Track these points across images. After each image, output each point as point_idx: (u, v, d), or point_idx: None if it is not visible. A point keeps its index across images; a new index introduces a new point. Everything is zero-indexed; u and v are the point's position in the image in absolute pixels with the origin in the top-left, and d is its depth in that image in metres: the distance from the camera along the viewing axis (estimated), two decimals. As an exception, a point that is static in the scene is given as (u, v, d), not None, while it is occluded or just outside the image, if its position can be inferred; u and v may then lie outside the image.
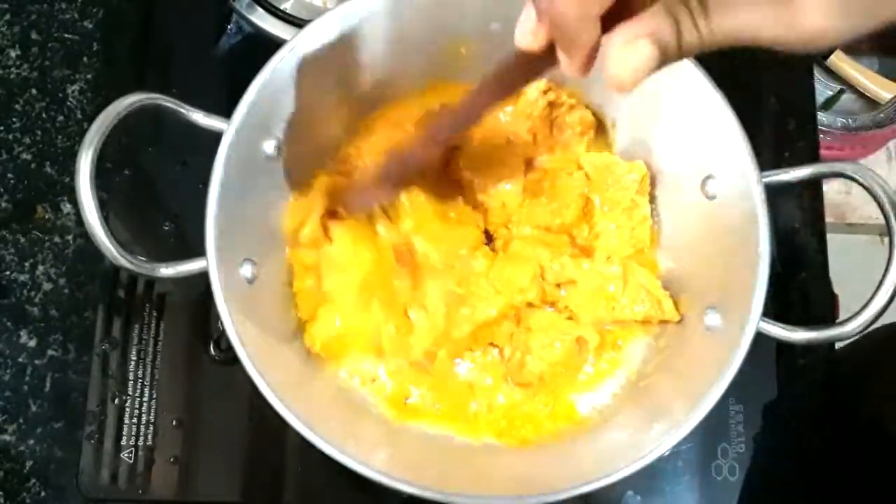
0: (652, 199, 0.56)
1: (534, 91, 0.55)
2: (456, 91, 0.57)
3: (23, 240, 0.60)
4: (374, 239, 0.53)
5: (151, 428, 0.56)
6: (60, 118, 0.63)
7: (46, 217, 0.61)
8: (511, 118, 0.56)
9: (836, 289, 0.62)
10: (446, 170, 0.56)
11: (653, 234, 0.56)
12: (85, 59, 0.65)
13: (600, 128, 0.57)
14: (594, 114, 0.57)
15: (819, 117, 0.69)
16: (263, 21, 0.60)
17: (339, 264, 0.52)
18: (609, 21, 0.29)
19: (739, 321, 0.46)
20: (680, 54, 0.29)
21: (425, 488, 0.43)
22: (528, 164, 0.57)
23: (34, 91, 0.64)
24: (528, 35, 0.33)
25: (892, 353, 0.65)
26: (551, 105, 0.55)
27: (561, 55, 0.31)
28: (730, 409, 0.57)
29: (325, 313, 0.52)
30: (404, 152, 0.49)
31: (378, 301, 0.52)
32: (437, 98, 0.57)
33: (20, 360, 0.58)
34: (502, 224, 0.56)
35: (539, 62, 0.34)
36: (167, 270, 0.46)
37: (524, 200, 0.56)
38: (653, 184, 0.56)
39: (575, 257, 0.54)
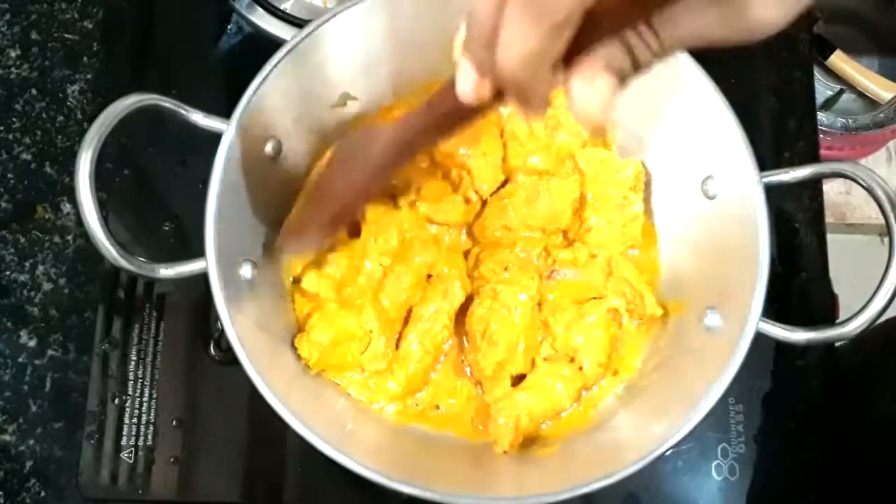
0: (649, 199, 0.56)
1: None
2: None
3: (23, 240, 0.60)
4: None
5: (151, 428, 0.56)
6: (60, 118, 0.63)
7: (46, 217, 0.61)
8: (507, 118, 0.56)
9: (836, 289, 0.62)
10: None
11: (649, 232, 0.56)
12: (85, 59, 0.65)
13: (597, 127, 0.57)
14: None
15: (819, 117, 0.69)
16: (263, 21, 0.60)
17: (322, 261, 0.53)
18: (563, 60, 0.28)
19: (739, 321, 0.46)
20: (637, 73, 0.29)
21: (425, 489, 0.43)
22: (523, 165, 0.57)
23: (34, 91, 0.64)
24: (470, 91, 0.31)
25: (893, 352, 0.64)
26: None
27: (514, 104, 0.30)
28: (730, 409, 0.57)
29: (316, 322, 0.51)
30: (336, 199, 0.47)
31: (369, 310, 0.51)
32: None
33: (20, 360, 0.58)
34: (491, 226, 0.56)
35: (482, 108, 0.33)
36: (167, 271, 0.46)
37: (520, 205, 0.55)
38: (650, 183, 0.56)
39: (563, 262, 0.55)
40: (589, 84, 0.28)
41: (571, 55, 0.27)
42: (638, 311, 0.53)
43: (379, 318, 0.51)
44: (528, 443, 0.51)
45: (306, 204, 0.51)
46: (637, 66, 0.28)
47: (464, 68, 0.30)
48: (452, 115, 0.36)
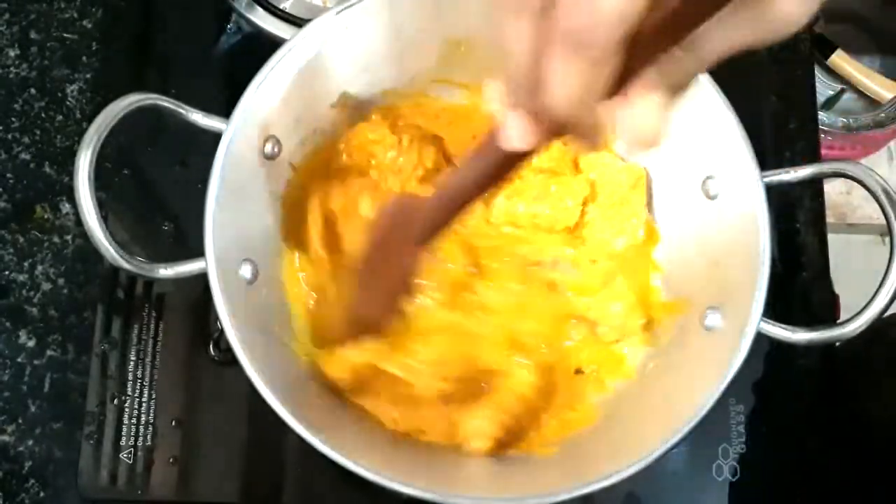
0: (650, 200, 0.56)
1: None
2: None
3: (22, 240, 0.60)
4: None
5: (150, 428, 0.55)
6: (59, 118, 0.63)
7: (45, 217, 0.61)
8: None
9: (837, 289, 0.61)
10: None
11: (651, 234, 0.55)
12: (84, 58, 0.64)
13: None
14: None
15: (820, 117, 0.69)
16: (263, 20, 0.60)
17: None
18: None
19: (740, 322, 0.46)
20: (678, 94, 0.29)
21: (425, 490, 0.43)
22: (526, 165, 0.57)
23: (33, 91, 0.64)
24: (524, 138, 0.30)
25: (884, 345, 0.64)
26: None
27: (570, 139, 0.30)
28: (730, 410, 0.57)
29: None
30: (388, 276, 0.45)
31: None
32: (437, 98, 0.57)
33: (19, 360, 0.58)
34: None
35: (532, 152, 0.32)
36: (166, 271, 0.46)
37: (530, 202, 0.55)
38: (650, 186, 0.55)
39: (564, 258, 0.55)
40: (635, 107, 0.28)
41: (614, 89, 0.27)
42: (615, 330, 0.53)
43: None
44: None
45: (351, 295, 0.49)
46: (677, 88, 0.28)
47: (510, 120, 0.30)
48: (499, 166, 0.35)
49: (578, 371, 0.54)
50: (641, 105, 0.28)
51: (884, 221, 0.46)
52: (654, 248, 0.56)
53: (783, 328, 0.47)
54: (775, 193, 0.48)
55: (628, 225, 0.55)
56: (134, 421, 0.56)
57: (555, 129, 0.29)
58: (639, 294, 0.54)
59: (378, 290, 0.47)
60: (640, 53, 0.26)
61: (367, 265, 0.47)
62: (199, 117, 0.48)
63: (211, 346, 0.56)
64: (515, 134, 0.30)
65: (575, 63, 0.26)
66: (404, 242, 0.43)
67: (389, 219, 0.45)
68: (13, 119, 0.63)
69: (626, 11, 0.24)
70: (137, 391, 0.56)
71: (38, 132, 0.63)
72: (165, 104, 0.47)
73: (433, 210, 0.40)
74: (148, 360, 0.57)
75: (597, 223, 0.55)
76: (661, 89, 0.28)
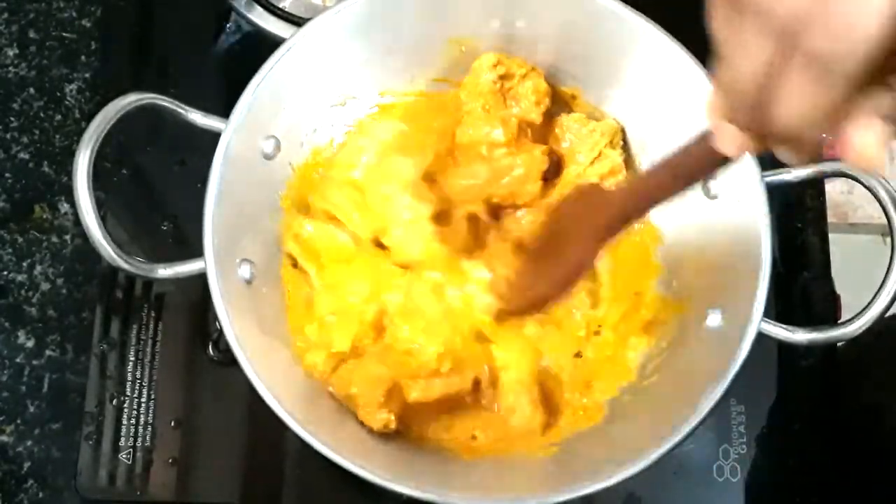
0: (631, 157, 0.56)
1: (483, 67, 0.55)
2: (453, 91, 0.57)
3: (20, 240, 0.60)
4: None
5: (150, 429, 0.55)
6: (58, 117, 0.63)
7: (44, 217, 0.61)
8: (464, 97, 0.55)
9: (838, 289, 0.61)
10: None
11: (651, 232, 0.55)
12: (83, 57, 0.64)
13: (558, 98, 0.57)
14: (598, 115, 0.56)
15: (821, 116, 0.69)
16: (262, 20, 0.60)
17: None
18: None
19: (741, 322, 0.46)
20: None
21: (424, 490, 0.43)
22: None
23: (32, 90, 0.63)
24: (735, 150, 0.32)
25: (886, 346, 0.64)
26: (502, 78, 0.55)
27: (781, 153, 0.31)
28: (731, 410, 0.57)
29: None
30: (566, 260, 0.44)
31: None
32: (436, 97, 0.57)
33: (18, 360, 0.58)
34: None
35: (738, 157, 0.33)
36: (165, 271, 0.46)
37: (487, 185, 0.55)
38: (626, 136, 0.56)
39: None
40: (865, 132, 0.28)
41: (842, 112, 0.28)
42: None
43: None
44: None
45: (525, 266, 0.49)
46: (893, 120, 0.28)
47: (726, 131, 0.31)
48: (703, 167, 0.37)
49: (578, 355, 0.54)
50: (868, 129, 0.28)
51: (885, 221, 0.46)
52: (655, 249, 0.55)
53: (784, 328, 0.46)
54: (776, 193, 0.48)
55: (608, 181, 0.55)
56: (133, 421, 0.55)
57: (773, 141, 0.30)
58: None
59: (545, 276, 0.46)
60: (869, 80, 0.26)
61: (539, 249, 0.47)
62: (197, 117, 0.48)
63: (210, 347, 0.56)
64: (729, 145, 0.31)
65: (814, 85, 0.26)
66: (583, 234, 0.43)
67: (571, 207, 0.45)
68: (12, 118, 0.63)
69: (880, 40, 0.23)
70: (136, 391, 0.56)
71: (36, 132, 0.63)
72: (164, 104, 0.47)
73: (624, 204, 0.41)
74: (147, 360, 0.56)
75: (571, 183, 0.55)
76: (887, 117, 0.28)
